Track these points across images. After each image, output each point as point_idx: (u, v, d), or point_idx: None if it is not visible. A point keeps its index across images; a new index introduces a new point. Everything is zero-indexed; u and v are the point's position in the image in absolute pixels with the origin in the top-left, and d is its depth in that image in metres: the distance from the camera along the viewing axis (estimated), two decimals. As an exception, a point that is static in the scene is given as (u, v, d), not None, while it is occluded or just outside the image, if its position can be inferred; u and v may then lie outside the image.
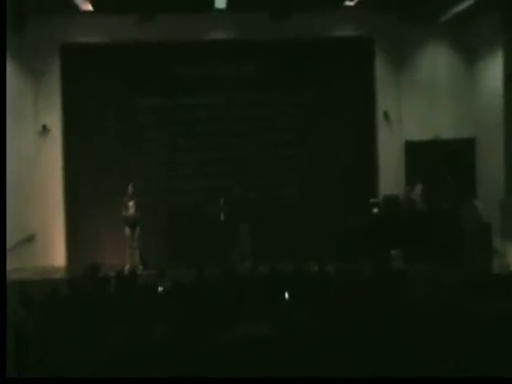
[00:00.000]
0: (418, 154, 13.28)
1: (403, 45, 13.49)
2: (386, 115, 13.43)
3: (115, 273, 8.20)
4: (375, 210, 12.04)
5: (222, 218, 12.15)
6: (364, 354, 4.83)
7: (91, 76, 13.10)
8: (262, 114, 13.46)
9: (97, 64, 13.10)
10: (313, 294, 6.89)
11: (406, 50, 13.57)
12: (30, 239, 12.49)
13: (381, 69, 13.59)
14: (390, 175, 13.31)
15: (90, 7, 11.96)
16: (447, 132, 13.36)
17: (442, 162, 13.28)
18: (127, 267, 11.55)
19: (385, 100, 13.50)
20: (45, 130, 12.94)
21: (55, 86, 13.05)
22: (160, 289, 7.51)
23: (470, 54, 13.51)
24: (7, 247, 11.07)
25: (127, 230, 11.99)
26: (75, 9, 11.97)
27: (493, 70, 12.69)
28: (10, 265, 10.82)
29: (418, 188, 12.38)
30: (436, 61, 13.62)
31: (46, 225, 12.83)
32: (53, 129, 13.00)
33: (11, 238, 11.63)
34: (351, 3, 11.87)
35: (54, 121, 13.01)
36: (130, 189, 12.05)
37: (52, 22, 12.70)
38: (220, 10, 12.51)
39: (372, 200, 12.34)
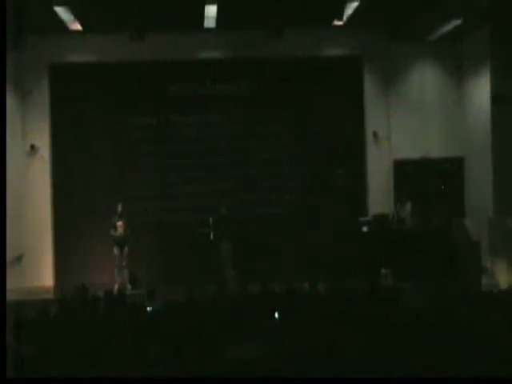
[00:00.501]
0: (407, 172, 13.37)
1: (392, 63, 13.60)
2: (375, 135, 13.51)
3: (104, 293, 8.16)
4: (365, 229, 12.07)
5: (212, 237, 12.16)
6: (357, 372, 4.85)
7: (80, 95, 13.15)
8: (253, 132, 13.54)
9: (86, 83, 13.15)
10: (304, 312, 6.91)
11: (395, 69, 13.67)
12: (19, 259, 12.42)
13: (370, 87, 13.70)
14: (380, 194, 13.36)
15: (78, 26, 11.99)
16: (436, 150, 13.44)
17: (431, 181, 13.36)
18: (116, 287, 11.52)
19: (374, 118, 13.60)
20: (33, 149, 12.93)
21: (44, 106, 13.06)
22: (149, 309, 7.48)
23: (459, 72, 13.64)
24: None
25: (116, 250, 11.96)
26: (64, 28, 11.99)
27: (481, 89, 12.80)
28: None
29: (408, 206, 12.43)
30: (425, 79, 13.75)
31: (34, 244, 12.78)
32: (41, 148, 12.99)
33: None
34: (340, 22, 11.97)
35: (43, 140, 13.01)
36: (119, 208, 12.05)
37: (40, 42, 12.77)
38: (210, 29, 12.59)
39: (362, 218, 12.39)
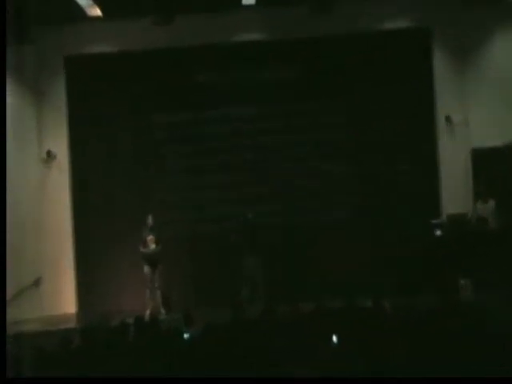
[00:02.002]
0: (488, 163, 13.22)
1: (468, 34, 13.49)
2: (448, 120, 13.44)
3: (134, 319, 8.36)
4: (438, 233, 12.03)
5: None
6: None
7: (101, 91, 13.49)
8: (299, 125, 13.62)
9: (107, 77, 13.51)
10: (367, 334, 6.97)
11: (472, 40, 13.57)
12: (36, 284, 12.74)
13: (441, 64, 13.67)
14: (455, 190, 13.29)
15: (98, 11, 12.20)
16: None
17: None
18: (148, 312, 11.75)
19: (447, 101, 13.55)
20: (50, 155, 13.30)
21: (60, 105, 13.42)
22: (186, 335, 7.64)
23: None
24: (9, 296, 11.28)
25: (146, 269, 12.21)
26: (81, 15, 12.24)
27: None
28: (13, 316, 10.94)
29: (490, 204, 12.34)
30: (509, 51, 13.59)
31: (53, 266, 13.11)
32: (59, 154, 13.33)
33: (13, 284, 11.90)
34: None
35: (60, 145, 13.36)
36: (149, 221, 12.29)
37: (54, 32, 13.15)
38: (248, 7, 12.76)
39: (434, 221, 12.34)
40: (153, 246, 12.19)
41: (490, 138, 13.27)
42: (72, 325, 11.70)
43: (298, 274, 12.92)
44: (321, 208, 13.52)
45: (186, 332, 7.74)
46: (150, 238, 12.20)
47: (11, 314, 10.78)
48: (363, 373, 5.67)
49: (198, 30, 13.22)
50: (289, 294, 11.49)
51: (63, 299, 13.15)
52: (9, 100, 12.30)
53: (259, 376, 5.71)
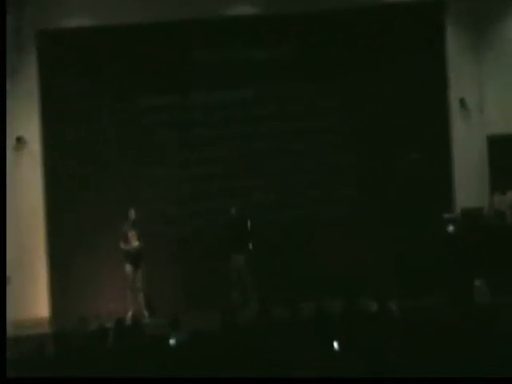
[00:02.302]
0: (506, 151, 13.29)
1: (485, 8, 13.53)
2: (462, 103, 13.49)
3: (114, 323, 8.39)
4: (451, 228, 12.07)
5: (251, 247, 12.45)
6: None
7: (78, 70, 13.46)
8: (300, 109, 13.66)
9: (85, 55, 13.48)
10: (370, 339, 7.02)
11: (489, 14, 13.62)
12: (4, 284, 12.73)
13: (454, 41, 13.71)
14: (470, 181, 13.37)
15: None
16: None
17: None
18: (129, 315, 11.79)
19: (460, 83, 13.60)
20: (20, 142, 13.29)
21: (32, 86, 13.38)
22: (172, 341, 7.68)
23: None
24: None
25: (128, 268, 12.26)
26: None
27: None
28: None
29: (509, 196, 12.40)
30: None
31: (24, 264, 13.07)
32: (31, 141, 13.33)
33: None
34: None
35: (32, 130, 13.33)
36: (132, 215, 12.32)
37: (26, 2, 13.10)
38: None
39: (447, 215, 12.39)
40: (136, 243, 12.23)
41: (508, 123, 13.36)
42: (45, 330, 11.70)
43: (295, 273, 12.98)
44: (319, 201, 13.58)
45: (173, 337, 7.79)
46: (132, 233, 12.25)
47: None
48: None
49: (188, 2, 13.24)
50: (284, 295, 11.56)
51: (35, 301, 13.16)
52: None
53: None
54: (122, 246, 12.25)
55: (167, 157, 13.66)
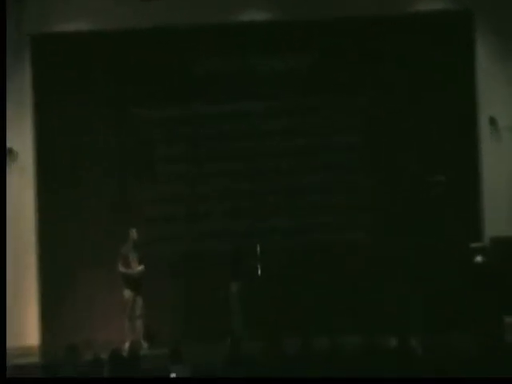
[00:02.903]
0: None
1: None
2: (492, 122, 13.50)
3: (109, 354, 8.39)
4: (479, 259, 12.05)
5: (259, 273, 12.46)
6: None
7: (74, 78, 13.58)
8: (314, 125, 13.69)
9: (82, 61, 13.61)
10: (388, 379, 7.02)
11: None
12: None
13: (485, 54, 13.74)
14: (501, 208, 13.39)
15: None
16: None
17: None
18: (126, 345, 11.76)
19: (491, 99, 13.63)
20: (11, 154, 13.35)
21: (24, 95, 13.45)
22: (173, 375, 7.67)
23: None
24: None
25: (127, 293, 12.28)
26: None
27: None
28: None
29: (543, 225, 12.41)
30: None
31: (13, 288, 12.95)
32: (22, 153, 13.35)
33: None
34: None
35: (24, 142, 13.35)
36: (133, 235, 12.34)
37: (19, 5, 13.23)
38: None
39: (474, 244, 12.37)
40: (138, 268, 12.28)
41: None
42: (34, 359, 11.69)
43: (306, 303, 12.97)
44: (334, 226, 13.57)
45: (173, 370, 7.79)
46: (133, 256, 12.28)
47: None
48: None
49: (193, 6, 13.35)
50: (294, 327, 11.59)
51: (24, 327, 13.20)
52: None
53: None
54: (122, 269, 12.30)
55: (168, 172, 13.68)
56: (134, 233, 12.38)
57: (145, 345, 12.13)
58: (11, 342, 12.45)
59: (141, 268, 12.27)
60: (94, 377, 5.37)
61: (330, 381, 5.37)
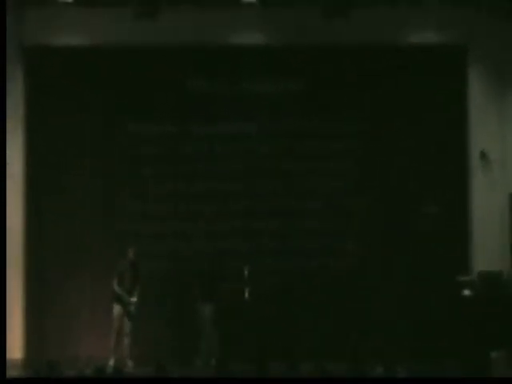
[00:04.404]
0: (529, 210, 13.36)
1: (510, 56, 13.67)
2: (483, 156, 13.54)
3: (94, 370, 8.34)
4: (467, 292, 12.05)
5: (246, 295, 12.42)
6: None
7: (66, 91, 13.59)
8: (307, 149, 13.73)
9: (76, 75, 13.60)
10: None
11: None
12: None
13: (477, 90, 13.81)
14: (489, 241, 13.38)
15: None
16: None
17: None
18: (111, 362, 11.75)
19: (482, 133, 13.69)
20: (2, 162, 13.26)
21: (16, 106, 13.35)
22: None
23: None
24: None
25: (117, 310, 12.18)
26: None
27: None
28: None
29: (532, 260, 12.44)
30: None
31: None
32: (12, 164, 13.28)
33: None
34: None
35: (14, 154, 13.29)
36: (130, 255, 12.33)
37: (13, 17, 13.06)
38: (250, 4, 12.91)
39: (462, 277, 12.37)
40: (133, 299, 12.18)
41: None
42: (16, 372, 11.57)
43: (290, 329, 12.94)
44: (322, 252, 13.56)
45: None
46: (129, 274, 12.22)
47: None
48: None
49: (187, 26, 13.37)
50: (278, 353, 11.56)
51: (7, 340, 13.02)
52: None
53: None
54: (117, 289, 12.18)
55: (158, 190, 13.66)
56: (131, 252, 12.32)
57: (130, 363, 12.01)
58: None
59: (135, 300, 12.21)
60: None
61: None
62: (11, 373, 11.21)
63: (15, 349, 13.00)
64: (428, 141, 13.61)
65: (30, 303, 13.30)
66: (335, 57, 13.70)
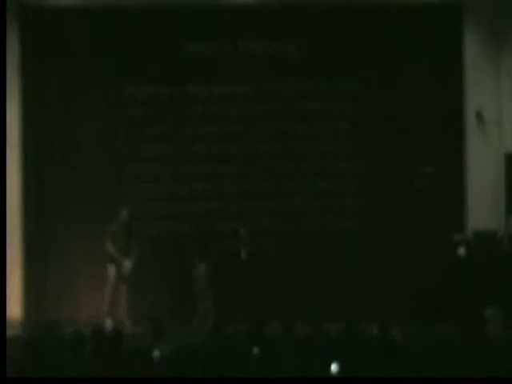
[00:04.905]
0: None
1: (506, 15, 13.60)
2: (478, 116, 13.54)
3: (91, 330, 8.37)
4: (462, 251, 12.10)
5: (244, 255, 12.48)
6: None
7: (64, 53, 13.50)
8: (304, 110, 13.70)
9: (72, 37, 13.50)
10: (371, 364, 7.06)
11: (510, 26, 13.68)
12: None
13: (473, 50, 13.76)
14: (484, 201, 13.43)
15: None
16: None
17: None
18: (108, 322, 11.84)
19: (478, 94, 13.66)
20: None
21: (11, 70, 13.26)
22: (157, 353, 7.67)
23: None
24: None
25: (111, 271, 12.23)
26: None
27: None
28: None
29: (526, 219, 12.48)
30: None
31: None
32: (10, 130, 13.26)
33: None
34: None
35: (10, 120, 13.24)
36: (123, 216, 12.33)
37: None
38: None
39: (457, 237, 12.42)
40: (129, 264, 12.19)
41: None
42: (14, 332, 11.63)
43: (288, 289, 13.00)
44: (320, 212, 13.59)
45: (157, 349, 7.77)
46: (122, 233, 12.23)
47: None
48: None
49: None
50: (276, 313, 11.64)
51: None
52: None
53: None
54: (109, 249, 12.21)
55: (154, 153, 13.64)
56: (124, 212, 12.33)
57: (128, 322, 12.04)
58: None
59: (130, 261, 12.22)
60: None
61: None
62: (10, 332, 11.32)
63: (14, 309, 13.04)
64: (422, 103, 13.58)
65: (29, 262, 13.33)
66: (333, 17, 13.62)
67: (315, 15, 13.57)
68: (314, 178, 13.65)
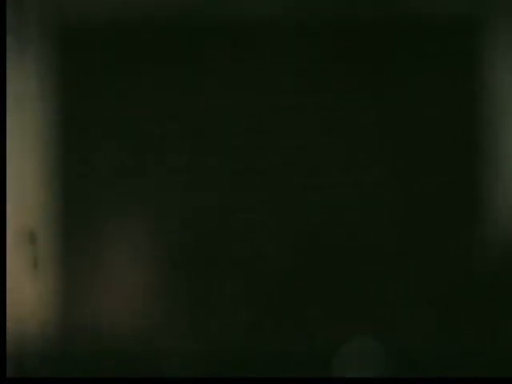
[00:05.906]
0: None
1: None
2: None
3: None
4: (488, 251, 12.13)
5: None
6: None
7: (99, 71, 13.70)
8: (316, 117, 13.80)
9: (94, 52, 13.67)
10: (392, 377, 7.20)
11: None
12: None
13: (484, 65, 13.80)
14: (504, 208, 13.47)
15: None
16: None
17: None
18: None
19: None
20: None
21: (53, 90, 13.53)
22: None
23: None
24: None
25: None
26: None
27: None
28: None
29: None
30: None
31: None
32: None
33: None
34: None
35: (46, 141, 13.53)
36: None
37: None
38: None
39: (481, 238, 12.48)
40: None
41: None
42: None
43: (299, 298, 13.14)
44: (333, 220, 13.69)
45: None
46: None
47: None
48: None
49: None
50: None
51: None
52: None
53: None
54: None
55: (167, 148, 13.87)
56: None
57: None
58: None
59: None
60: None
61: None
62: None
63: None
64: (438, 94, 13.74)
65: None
66: (342, 30, 13.80)
67: (330, 30, 13.75)
68: (327, 186, 13.74)
